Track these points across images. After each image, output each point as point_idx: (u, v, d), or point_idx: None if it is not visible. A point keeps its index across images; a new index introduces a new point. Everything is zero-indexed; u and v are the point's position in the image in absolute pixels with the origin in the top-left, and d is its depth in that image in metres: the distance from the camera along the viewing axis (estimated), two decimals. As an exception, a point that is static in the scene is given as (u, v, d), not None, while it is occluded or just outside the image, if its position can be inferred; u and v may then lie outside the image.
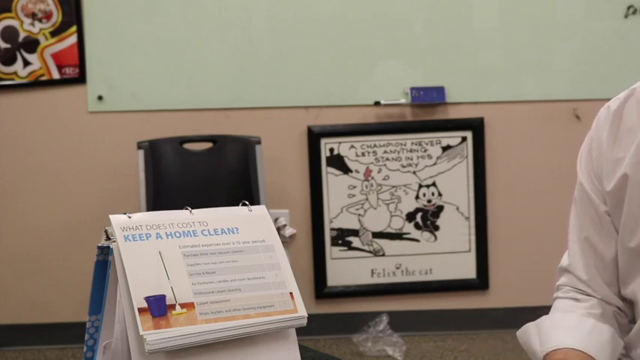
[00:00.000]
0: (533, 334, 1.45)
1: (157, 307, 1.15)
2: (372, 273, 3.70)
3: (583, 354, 1.37)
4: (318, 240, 3.66)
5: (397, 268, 3.70)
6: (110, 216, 1.20)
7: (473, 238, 3.69)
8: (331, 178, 3.64)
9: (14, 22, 3.49)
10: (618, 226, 1.44)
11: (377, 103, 3.60)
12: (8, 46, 3.51)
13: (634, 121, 1.41)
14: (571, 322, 1.43)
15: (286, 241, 3.62)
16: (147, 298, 1.15)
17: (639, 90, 1.42)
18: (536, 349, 1.43)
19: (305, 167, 3.64)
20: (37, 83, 3.54)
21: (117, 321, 1.21)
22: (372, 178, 3.66)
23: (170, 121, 3.57)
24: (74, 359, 3.53)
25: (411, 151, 3.65)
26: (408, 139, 3.64)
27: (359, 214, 3.67)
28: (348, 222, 3.67)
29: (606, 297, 1.47)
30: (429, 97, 3.59)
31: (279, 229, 3.55)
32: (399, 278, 3.70)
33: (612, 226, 1.45)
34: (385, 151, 3.64)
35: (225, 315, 1.18)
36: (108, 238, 1.20)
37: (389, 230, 3.69)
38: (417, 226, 3.69)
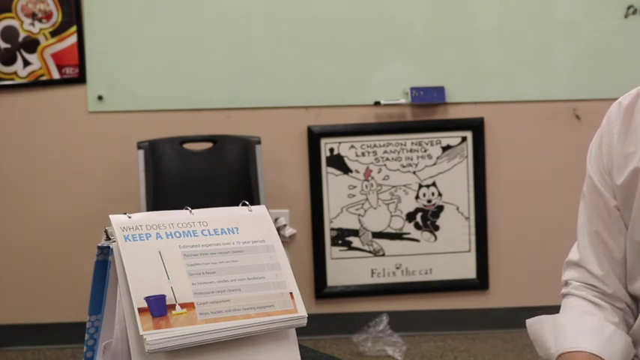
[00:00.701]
0: (548, 329, 1.44)
1: (157, 307, 1.15)
2: (372, 273, 3.70)
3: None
4: (318, 240, 3.66)
5: (397, 268, 3.70)
6: (110, 216, 1.20)
7: (473, 238, 3.69)
8: (331, 178, 3.64)
9: (14, 22, 3.49)
10: (628, 221, 1.43)
11: (377, 103, 3.60)
12: (8, 46, 3.51)
13: None
14: (591, 326, 1.42)
15: (286, 241, 3.62)
16: (147, 298, 1.15)
17: None
18: (550, 345, 1.42)
19: (305, 167, 3.64)
20: (37, 83, 3.54)
21: (117, 321, 1.21)
22: (372, 178, 3.66)
23: (170, 121, 3.57)
24: (74, 359, 3.53)
25: (411, 151, 3.65)
26: (408, 139, 3.64)
27: (359, 214, 3.67)
28: (348, 222, 3.67)
29: (617, 292, 1.46)
30: (429, 97, 3.59)
31: (279, 229, 3.55)
32: (399, 278, 3.70)
33: (622, 221, 1.44)
34: (385, 151, 3.64)
35: (225, 315, 1.18)
36: (108, 238, 1.20)
37: (389, 230, 3.69)
38: (417, 226, 3.69)
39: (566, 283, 1.52)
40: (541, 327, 1.46)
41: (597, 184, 1.46)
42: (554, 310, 1.52)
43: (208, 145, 3.49)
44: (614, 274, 1.46)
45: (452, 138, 3.65)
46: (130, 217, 1.20)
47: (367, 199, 3.66)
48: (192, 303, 1.17)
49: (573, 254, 1.52)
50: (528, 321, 1.49)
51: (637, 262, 1.43)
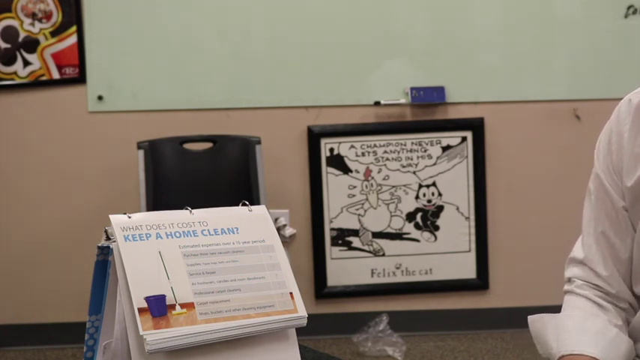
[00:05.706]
0: (551, 328, 1.42)
1: (157, 307, 1.15)
2: (372, 273, 3.70)
3: None
4: (318, 240, 3.66)
5: (397, 268, 3.70)
6: (110, 216, 1.20)
7: (473, 238, 3.69)
8: (331, 178, 3.64)
9: (14, 22, 3.49)
10: (636, 222, 1.40)
11: (377, 103, 3.60)
12: (8, 46, 3.51)
13: None
14: (594, 328, 1.40)
15: (286, 241, 3.62)
16: (147, 298, 1.15)
17: None
18: (552, 345, 1.40)
19: (305, 167, 3.64)
20: (37, 83, 3.54)
21: (117, 321, 1.21)
22: (372, 178, 3.66)
23: (170, 121, 3.57)
24: (74, 359, 3.53)
25: (411, 151, 3.65)
26: (408, 139, 3.64)
27: (359, 214, 3.67)
28: (348, 222, 3.67)
29: (621, 293, 1.44)
30: (429, 97, 3.59)
31: (279, 229, 3.54)
32: (399, 278, 3.70)
33: (629, 221, 1.42)
34: (385, 151, 3.64)
35: (225, 315, 1.18)
36: (108, 238, 1.20)
37: (389, 230, 3.68)
38: (417, 226, 3.69)
39: (570, 280, 1.50)
40: (543, 325, 1.44)
41: (605, 184, 1.43)
42: (554, 310, 1.51)
43: (208, 145, 3.49)
44: (619, 274, 1.44)
45: (452, 138, 3.65)
46: (130, 217, 1.20)
47: (367, 199, 3.66)
48: (192, 303, 1.17)
49: (577, 251, 1.49)
50: (530, 317, 1.47)
51: None
